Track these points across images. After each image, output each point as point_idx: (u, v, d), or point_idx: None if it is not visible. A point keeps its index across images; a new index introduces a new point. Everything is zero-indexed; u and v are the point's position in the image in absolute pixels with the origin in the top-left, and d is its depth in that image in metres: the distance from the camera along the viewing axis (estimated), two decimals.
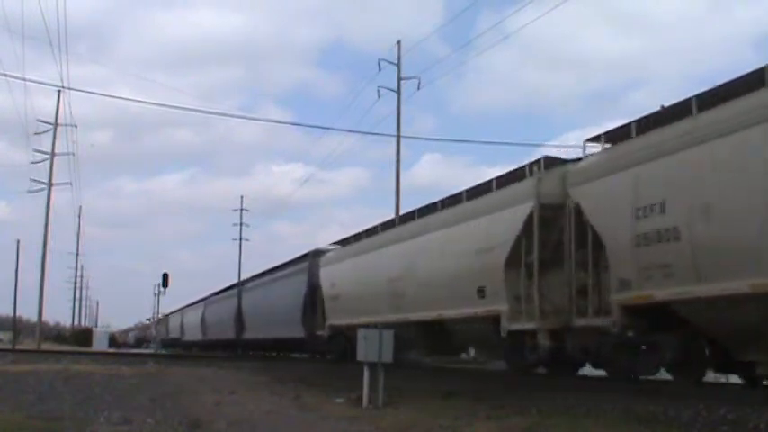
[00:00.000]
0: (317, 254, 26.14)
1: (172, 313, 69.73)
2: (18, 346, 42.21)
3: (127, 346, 76.26)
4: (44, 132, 46.07)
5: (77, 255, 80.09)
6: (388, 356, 11.10)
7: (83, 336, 70.38)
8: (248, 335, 38.28)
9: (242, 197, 70.32)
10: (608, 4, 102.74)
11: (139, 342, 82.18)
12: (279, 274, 33.15)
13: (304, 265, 27.75)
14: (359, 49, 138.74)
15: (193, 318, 55.29)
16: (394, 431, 8.68)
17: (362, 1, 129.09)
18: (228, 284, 49.54)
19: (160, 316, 65.74)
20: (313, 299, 25.24)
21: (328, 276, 23.58)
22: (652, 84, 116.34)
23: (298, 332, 27.03)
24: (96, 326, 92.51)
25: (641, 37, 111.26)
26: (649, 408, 8.35)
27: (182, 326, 61.54)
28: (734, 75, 9.53)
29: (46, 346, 45.05)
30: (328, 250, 25.15)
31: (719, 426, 7.24)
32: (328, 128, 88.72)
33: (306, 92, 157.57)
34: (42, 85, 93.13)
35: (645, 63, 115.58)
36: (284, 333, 29.69)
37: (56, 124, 46.15)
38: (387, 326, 12.03)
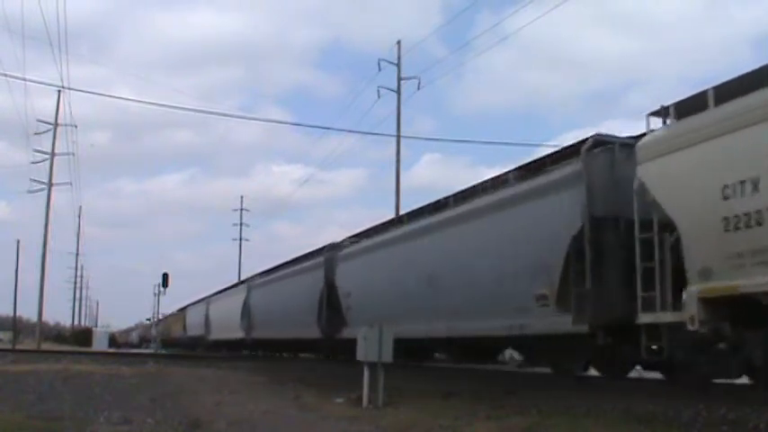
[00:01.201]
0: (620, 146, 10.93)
1: (191, 305, 55.06)
2: (18, 346, 42.26)
3: (129, 346, 76.41)
4: (44, 132, 46.31)
5: (77, 255, 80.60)
6: (388, 356, 11.08)
7: (83, 336, 70.51)
8: (353, 332, 18.45)
9: (242, 197, 70.68)
10: (608, 4, 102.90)
11: (142, 342, 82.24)
12: (449, 214, 15.86)
13: (568, 171, 11.53)
14: (359, 49, 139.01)
15: (226, 309, 38.99)
16: (394, 431, 8.68)
17: (362, 1, 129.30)
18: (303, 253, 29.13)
19: (160, 316, 65.02)
20: (597, 246, 10.57)
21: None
22: (652, 84, 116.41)
23: (555, 322, 11.42)
24: (96, 326, 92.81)
25: (641, 37, 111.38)
26: (649, 408, 8.35)
27: (207, 321, 44.99)
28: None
29: (46, 346, 45.11)
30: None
31: (719, 426, 7.23)
32: (328, 128, 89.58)
33: (306, 92, 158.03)
34: (42, 85, 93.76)
35: (645, 63, 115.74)
36: (498, 328, 13.29)
37: (56, 124, 46.34)
38: None
